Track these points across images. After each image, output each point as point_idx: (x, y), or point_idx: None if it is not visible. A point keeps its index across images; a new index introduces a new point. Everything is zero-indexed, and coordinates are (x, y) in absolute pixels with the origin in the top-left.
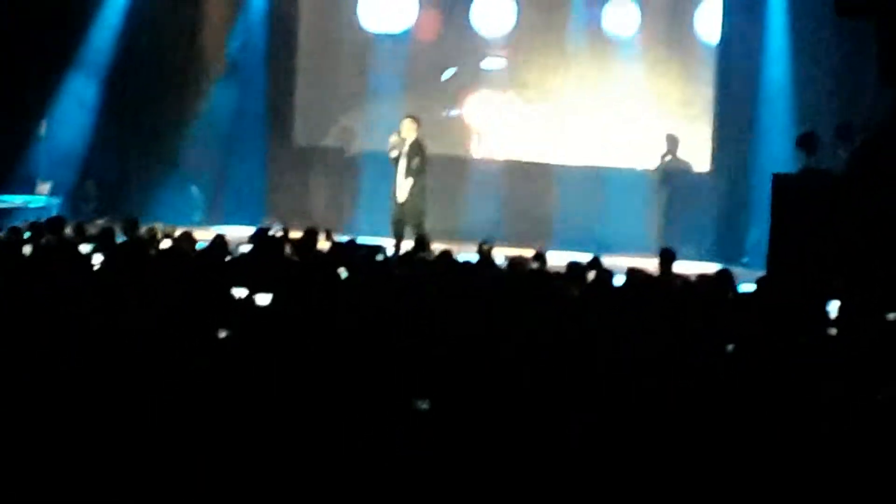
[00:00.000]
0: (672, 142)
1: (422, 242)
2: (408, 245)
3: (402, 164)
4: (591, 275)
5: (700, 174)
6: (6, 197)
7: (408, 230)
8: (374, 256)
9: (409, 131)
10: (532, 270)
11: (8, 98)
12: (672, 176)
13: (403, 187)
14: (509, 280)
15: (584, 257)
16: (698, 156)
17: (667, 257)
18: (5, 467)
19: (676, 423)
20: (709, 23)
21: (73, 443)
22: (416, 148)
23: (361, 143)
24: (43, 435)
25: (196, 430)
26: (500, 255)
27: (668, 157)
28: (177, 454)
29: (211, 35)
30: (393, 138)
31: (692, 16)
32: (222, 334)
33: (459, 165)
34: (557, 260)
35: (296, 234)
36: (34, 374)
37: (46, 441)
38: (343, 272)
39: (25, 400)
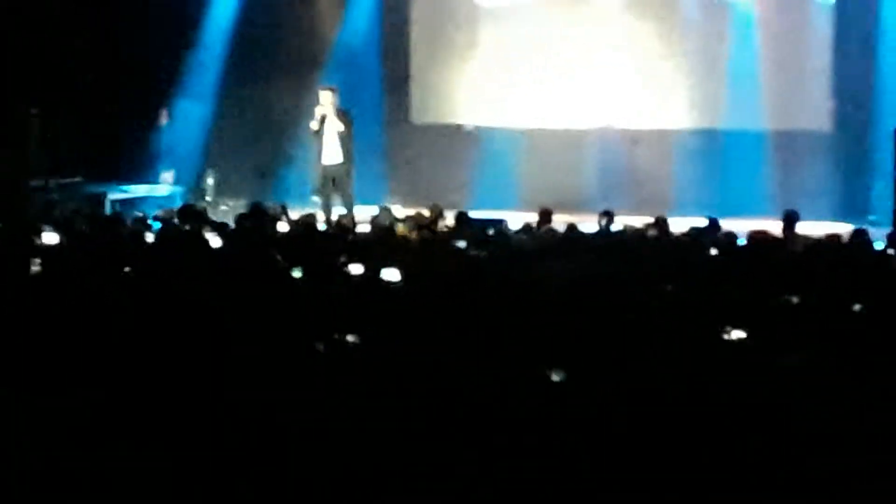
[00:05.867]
0: None
1: (546, 214)
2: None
3: (331, 129)
4: (712, 239)
5: (821, 133)
6: (130, 186)
7: (336, 196)
8: (496, 230)
9: (328, 102)
10: (654, 237)
11: (129, 89)
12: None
13: (335, 150)
14: (632, 247)
15: (705, 222)
16: (818, 115)
17: (790, 219)
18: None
19: (806, 385)
20: None
21: (190, 428)
22: (341, 115)
23: (477, 119)
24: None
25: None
26: (620, 224)
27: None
28: (302, 441)
29: (325, 17)
30: (316, 113)
31: None
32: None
33: (576, 137)
34: (680, 226)
35: (411, 211)
36: (163, 360)
37: (165, 425)
38: (463, 244)
39: (148, 383)
